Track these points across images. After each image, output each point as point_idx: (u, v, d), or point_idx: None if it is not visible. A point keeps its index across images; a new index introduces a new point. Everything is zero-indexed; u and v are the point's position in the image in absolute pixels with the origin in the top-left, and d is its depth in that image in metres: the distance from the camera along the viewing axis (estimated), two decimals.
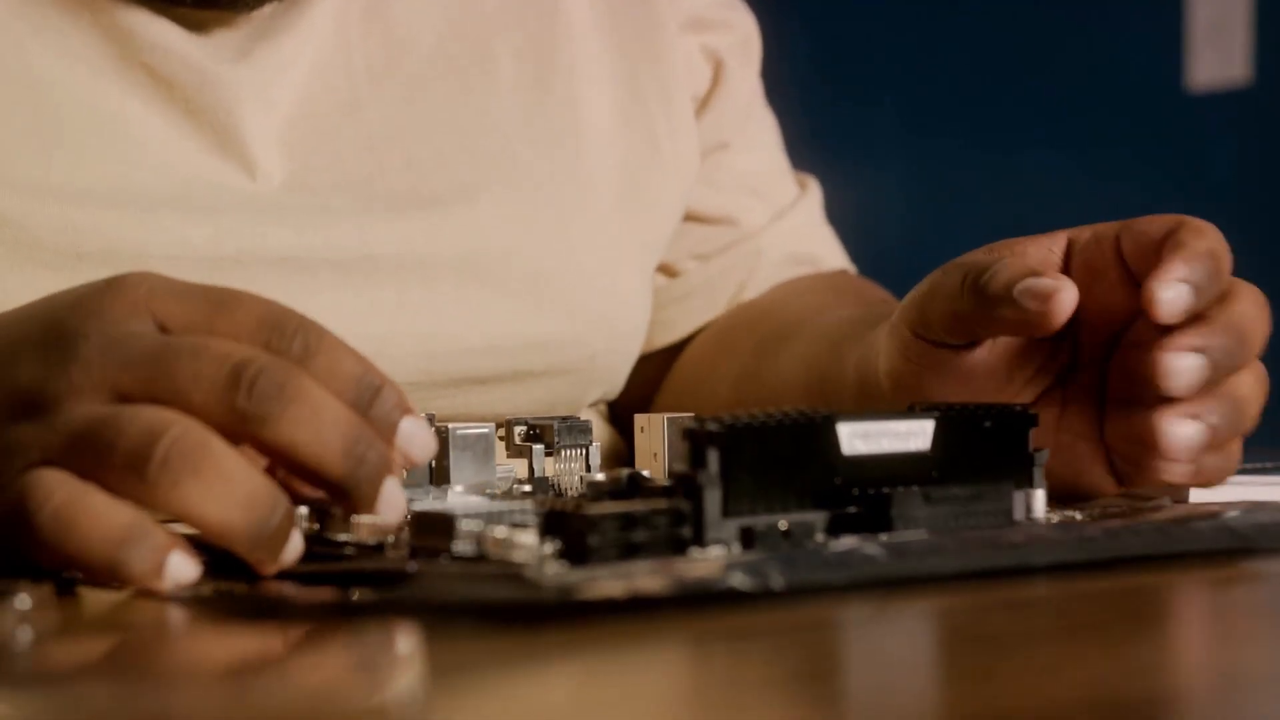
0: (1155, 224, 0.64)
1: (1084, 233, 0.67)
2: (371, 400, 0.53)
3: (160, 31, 0.79)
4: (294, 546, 0.52)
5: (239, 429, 0.51)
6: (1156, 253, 0.63)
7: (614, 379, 0.92)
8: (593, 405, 0.94)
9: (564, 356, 0.87)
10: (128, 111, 0.79)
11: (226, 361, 0.51)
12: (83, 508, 0.50)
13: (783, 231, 1.00)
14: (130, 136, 0.79)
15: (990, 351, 0.67)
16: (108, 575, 0.51)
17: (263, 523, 0.51)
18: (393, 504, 0.52)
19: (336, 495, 0.52)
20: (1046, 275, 0.63)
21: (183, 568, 0.51)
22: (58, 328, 0.53)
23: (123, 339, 0.52)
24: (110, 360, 0.52)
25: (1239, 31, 2.59)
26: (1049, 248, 0.67)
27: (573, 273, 0.88)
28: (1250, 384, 0.63)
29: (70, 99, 0.78)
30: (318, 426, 0.51)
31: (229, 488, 0.50)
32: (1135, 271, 0.65)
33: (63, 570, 0.52)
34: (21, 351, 0.53)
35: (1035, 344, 0.67)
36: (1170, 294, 0.60)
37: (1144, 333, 0.64)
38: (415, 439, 0.54)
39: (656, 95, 0.93)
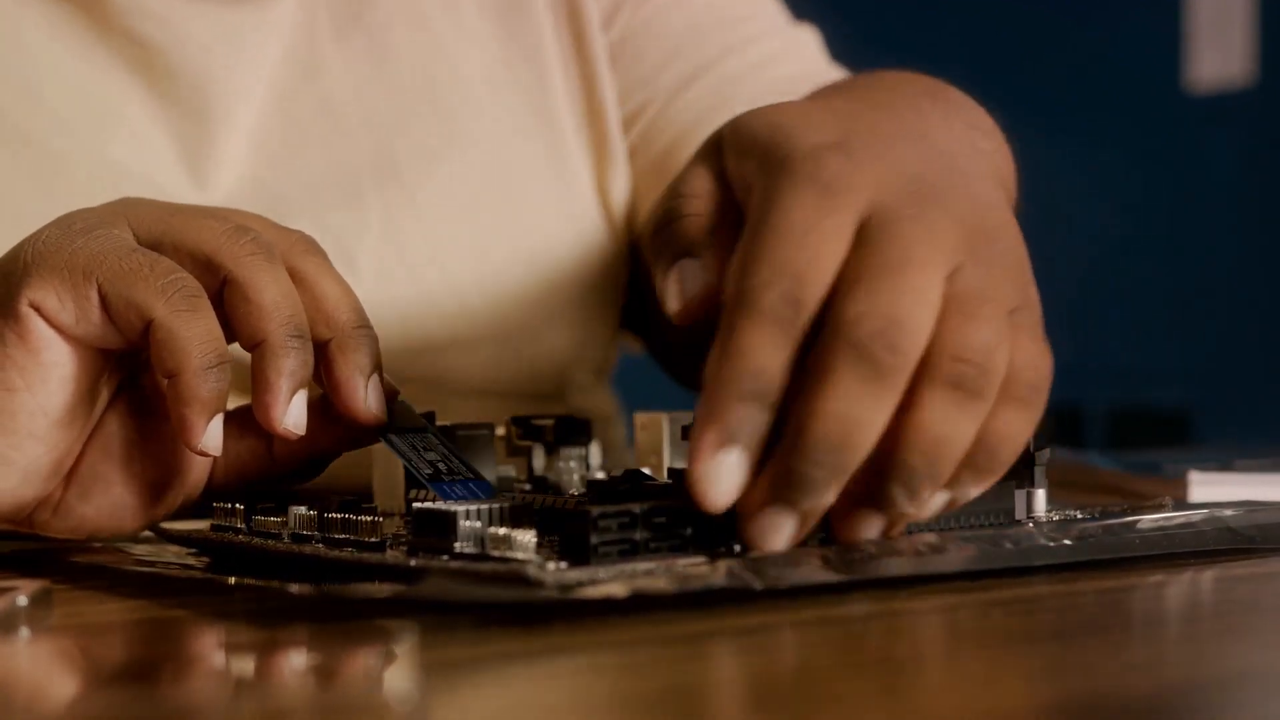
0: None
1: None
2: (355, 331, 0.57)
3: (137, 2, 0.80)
4: (214, 432, 0.54)
5: (233, 259, 0.55)
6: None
7: (604, 316, 0.90)
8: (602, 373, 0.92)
9: (539, 313, 0.86)
10: (110, 86, 0.80)
11: (235, 221, 0.57)
12: (205, 316, 0.54)
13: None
14: (106, 104, 0.80)
15: None
16: (188, 378, 0.53)
17: (212, 367, 0.54)
18: (296, 417, 0.55)
19: (257, 368, 0.55)
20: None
21: (218, 432, 0.54)
22: (63, 220, 0.58)
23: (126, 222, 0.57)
24: (130, 211, 0.58)
25: (1239, 31, 2.59)
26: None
27: (542, 224, 0.87)
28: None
29: (55, 72, 0.79)
30: (281, 295, 0.55)
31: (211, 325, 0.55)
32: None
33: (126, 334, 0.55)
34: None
35: None
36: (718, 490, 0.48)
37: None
38: (373, 397, 0.57)
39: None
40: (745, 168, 0.53)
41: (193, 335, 0.53)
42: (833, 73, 0.91)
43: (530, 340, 0.86)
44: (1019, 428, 0.50)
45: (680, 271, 0.53)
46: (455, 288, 0.84)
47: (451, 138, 0.85)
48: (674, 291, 0.53)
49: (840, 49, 0.95)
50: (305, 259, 0.58)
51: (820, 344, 0.48)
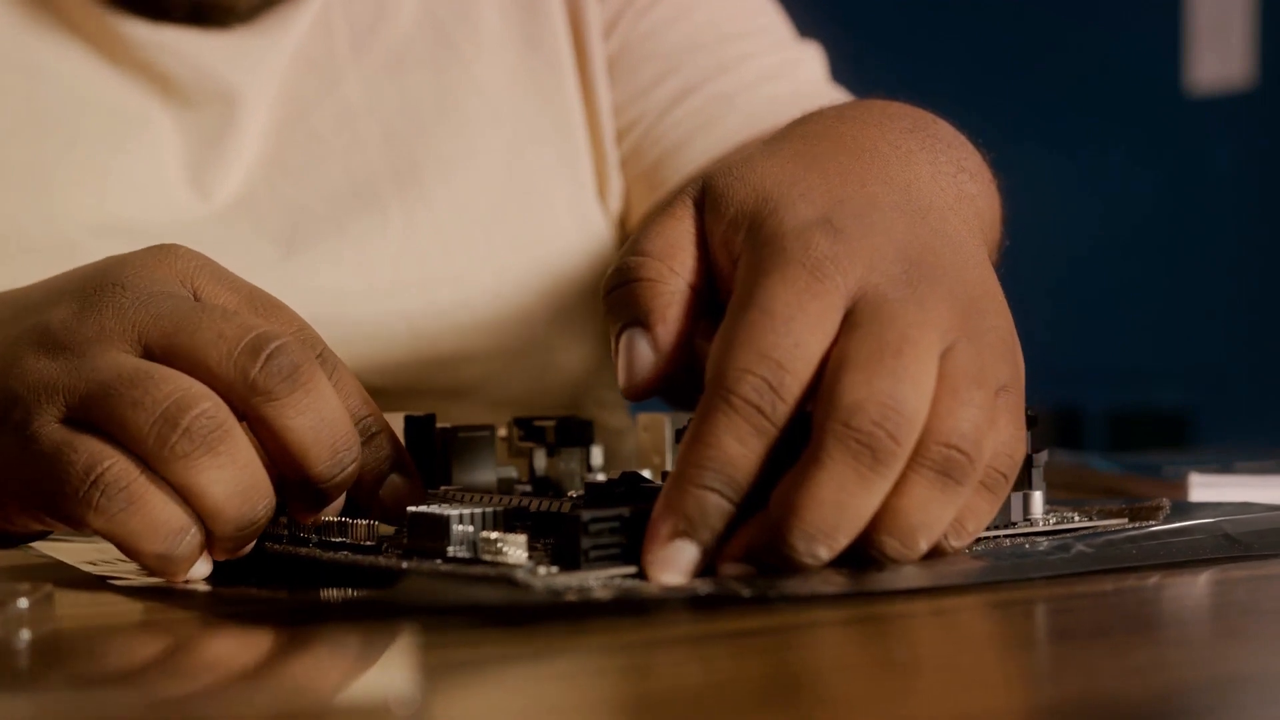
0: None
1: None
2: (368, 441, 0.55)
3: (154, 29, 0.80)
4: (200, 570, 0.52)
5: (245, 398, 0.51)
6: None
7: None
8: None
9: (552, 326, 0.86)
10: (125, 106, 0.80)
11: (250, 330, 0.52)
12: (146, 505, 0.50)
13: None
14: (120, 124, 0.80)
15: None
16: (149, 565, 0.51)
17: (251, 516, 0.51)
18: (334, 511, 0.54)
19: (300, 487, 0.52)
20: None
21: (203, 568, 0.52)
22: (99, 278, 0.54)
23: (159, 296, 0.53)
24: (143, 312, 0.53)
25: (1239, 33, 2.59)
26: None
27: (556, 234, 0.86)
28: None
29: (66, 95, 0.79)
30: (317, 418, 0.52)
31: (237, 474, 0.51)
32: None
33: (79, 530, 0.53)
34: (62, 295, 0.54)
35: None
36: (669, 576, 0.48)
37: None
38: (399, 491, 0.55)
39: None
40: (731, 237, 0.52)
41: (134, 532, 0.51)
42: (830, 92, 0.90)
43: (543, 353, 0.86)
44: (981, 512, 0.50)
45: (628, 345, 0.52)
46: (469, 300, 0.84)
47: (468, 145, 0.85)
48: (622, 365, 0.52)
49: (843, 51, 0.94)
50: (267, 403, 0.52)
51: (816, 428, 0.47)
